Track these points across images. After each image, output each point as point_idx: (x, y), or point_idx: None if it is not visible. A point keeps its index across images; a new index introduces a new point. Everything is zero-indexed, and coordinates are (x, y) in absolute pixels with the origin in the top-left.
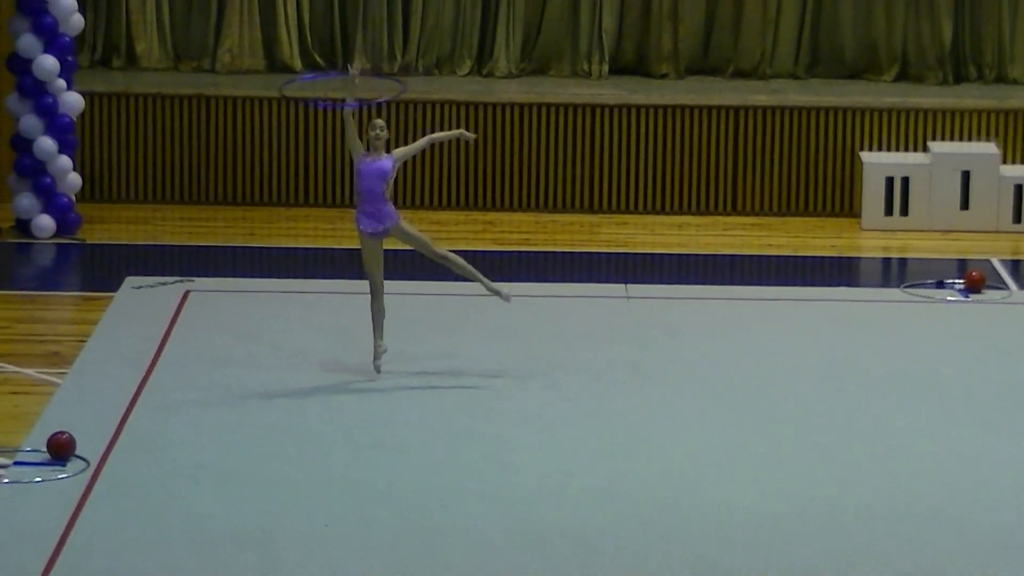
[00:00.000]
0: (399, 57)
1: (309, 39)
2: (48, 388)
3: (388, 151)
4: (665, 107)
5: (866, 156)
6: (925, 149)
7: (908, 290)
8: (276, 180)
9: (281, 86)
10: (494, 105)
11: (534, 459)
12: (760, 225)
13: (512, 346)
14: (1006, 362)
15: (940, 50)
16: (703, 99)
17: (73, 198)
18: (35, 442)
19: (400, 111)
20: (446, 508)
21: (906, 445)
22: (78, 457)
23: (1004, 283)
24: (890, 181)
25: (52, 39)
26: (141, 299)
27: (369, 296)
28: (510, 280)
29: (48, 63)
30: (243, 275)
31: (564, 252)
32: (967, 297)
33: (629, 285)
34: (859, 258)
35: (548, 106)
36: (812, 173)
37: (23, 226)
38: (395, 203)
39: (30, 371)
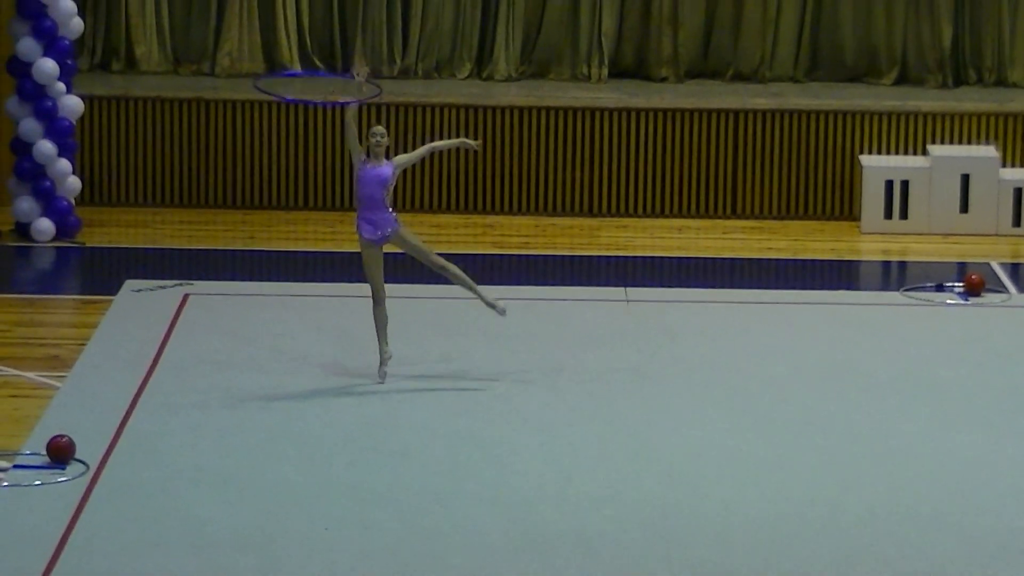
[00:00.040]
0: (399, 60)
1: (308, 43)
2: (48, 391)
3: (388, 157)
4: (665, 110)
5: (866, 159)
6: (925, 152)
7: (908, 293)
8: (276, 183)
9: (255, 81)
10: (494, 108)
11: (535, 462)
12: (760, 228)
13: (512, 349)
14: (1006, 365)
15: (940, 53)
16: (703, 102)
17: (73, 201)
18: (35, 445)
19: (399, 114)
20: (446, 511)
21: (906, 447)
22: (78, 460)
23: (1004, 286)
24: (890, 184)
25: (52, 42)
26: (141, 302)
27: (371, 301)
28: (510, 284)
29: (48, 66)
30: (243, 278)
31: (564, 255)
32: (967, 300)
33: (629, 289)
34: (859, 261)
35: (548, 109)
36: (812, 176)
37: (23, 229)
38: (395, 206)
39: (30, 374)
